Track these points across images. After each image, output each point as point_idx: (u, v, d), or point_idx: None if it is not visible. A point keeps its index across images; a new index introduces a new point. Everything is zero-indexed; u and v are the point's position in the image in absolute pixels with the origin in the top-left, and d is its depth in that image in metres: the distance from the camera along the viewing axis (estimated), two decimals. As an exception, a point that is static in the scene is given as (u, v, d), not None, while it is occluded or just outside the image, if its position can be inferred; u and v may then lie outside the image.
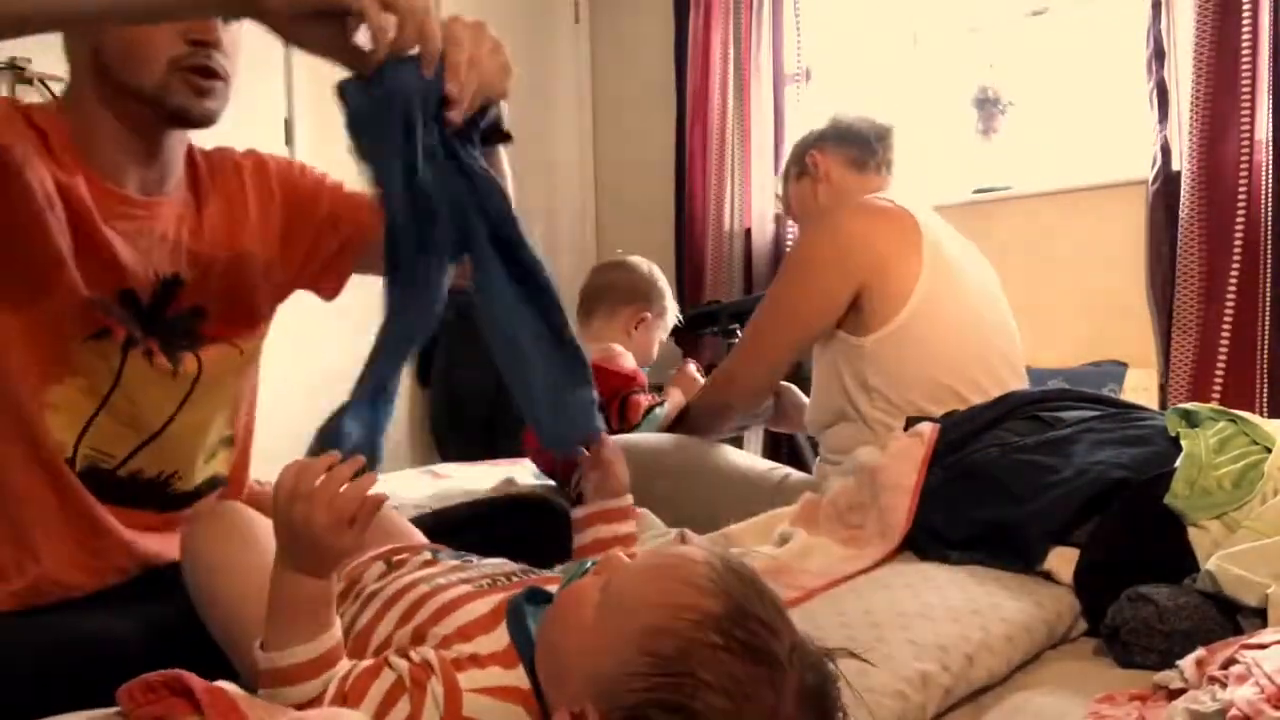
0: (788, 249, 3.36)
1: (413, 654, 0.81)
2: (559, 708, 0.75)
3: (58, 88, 2.46)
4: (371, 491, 0.80)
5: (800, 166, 1.91)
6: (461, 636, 0.83)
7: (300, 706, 0.78)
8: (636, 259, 2.30)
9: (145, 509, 1.23)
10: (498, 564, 1.00)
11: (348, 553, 0.82)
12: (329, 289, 1.43)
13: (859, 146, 1.87)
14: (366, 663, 0.81)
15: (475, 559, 1.02)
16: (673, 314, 2.24)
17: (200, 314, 1.24)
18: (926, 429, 1.42)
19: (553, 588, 0.89)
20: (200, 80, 1.12)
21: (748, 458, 1.95)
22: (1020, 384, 1.71)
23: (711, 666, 0.69)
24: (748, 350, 1.86)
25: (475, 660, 0.81)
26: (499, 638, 0.83)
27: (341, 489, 0.79)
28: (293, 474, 0.80)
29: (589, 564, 0.89)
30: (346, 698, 0.78)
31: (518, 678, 0.80)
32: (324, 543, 0.78)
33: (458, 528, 1.36)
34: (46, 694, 0.92)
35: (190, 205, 1.25)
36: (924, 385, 1.63)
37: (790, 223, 3.36)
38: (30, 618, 1.10)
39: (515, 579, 0.94)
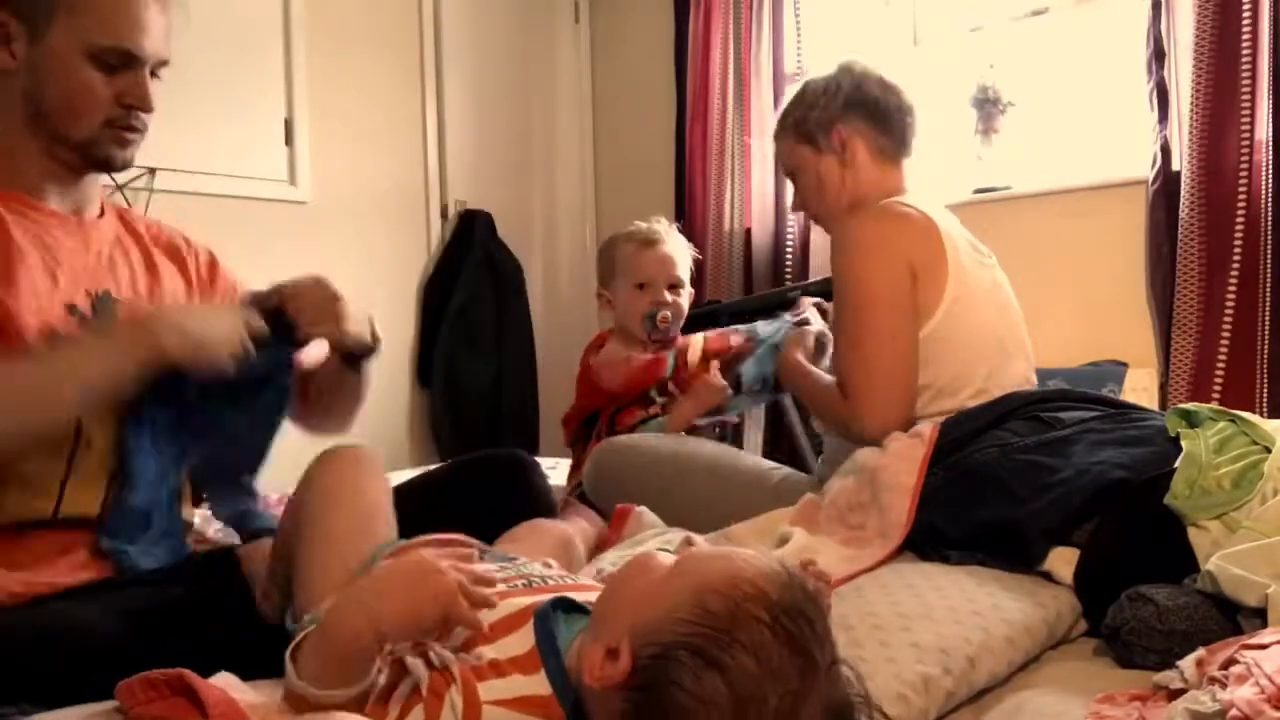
0: (787, 249, 3.36)
1: (432, 655, 0.79)
2: (596, 650, 0.75)
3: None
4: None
5: (824, 141, 1.74)
6: (485, 638, 0.83)
7: None
8: (631, 228, 2.15)
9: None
10: (538, 566, 1.00)
11: (427, 634, 0.82)
12: None
13: (889, 135, 1.73)
14: (385, 676, 0.79)
15: (522, 559, 1.02)
16: (641, 272, 2.05)
17: None
18: (926, 429, 1.42)
19: (582, 596, 0.88)
20: (126, 135, 1.24)
21: (747, 457, 1.95)
22: (1027, 386, 1.70)
23: (752, 634, 0.71)
24: (853, 373, 1.60)
25: (495, 668, 0.80)
26: (524, 639, 0.82)
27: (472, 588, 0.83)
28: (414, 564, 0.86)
29: None
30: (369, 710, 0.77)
31: (539, 683, 0.79)
32: (425, 626, 0.80)
33: (432, 491, 1.39)
34: (30, 684, 0.92)
35: (123, 237, 1.34)
36: (940, 394, 1.61)
37: (793, 214, 3.35)
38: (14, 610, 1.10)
39: (551, 582, 0.94)
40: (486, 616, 0.84)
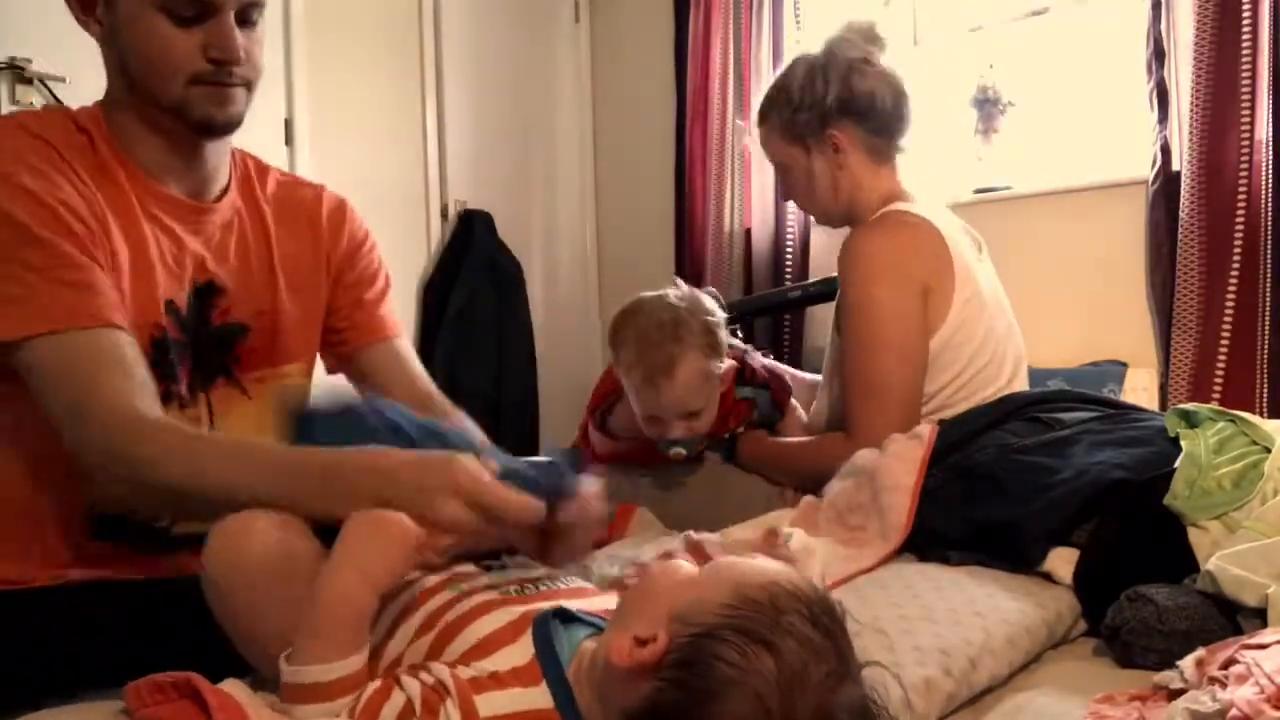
0: (787, 249, 3.36)
1: (424, 674, 0.78)
2: (623, 638, 0.74)
3: (58, 88, 2.48)
4: None
5: (816, 142, 1.69)
6: (481, 650, 0.81)
7: None
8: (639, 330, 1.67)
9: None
10: (524, 567, 0.98)
11: (399, 575, 0.85)
12: (332, 361, 1.43)
13: (881, 135, 1.68)
14: (376, 684, 0.78)
15: (505, 558, 1.01)
16: (645, 408, 1.63)
17: (242, 330, 1.24)
18: (926, 430, 1.42)
19: (579, 603, 0.87)
20: (221, 91, 1.14)
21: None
22: (1023, 387, 1.71)
23: (795, 621, 0.71)
24: (863, 404, 1.56)
25: (496, 680, 0.78)
26: (523, 650, 0.80)
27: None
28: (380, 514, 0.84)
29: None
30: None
31: (539, 696, 0.78)
32: (393, 560, 0.82)
33: None
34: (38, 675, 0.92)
35: (241, 217, 1.26)
36: (944, 403, 1.61)
37: (792, 213, 3.34)
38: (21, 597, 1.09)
39: (543, 587, 0.92)
40: (482, 627, 0.83)
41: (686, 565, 0.83)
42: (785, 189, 1.83)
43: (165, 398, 1.13)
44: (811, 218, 1.89)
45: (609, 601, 0.91)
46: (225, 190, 1.25)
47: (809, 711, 0.69)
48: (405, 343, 1.46)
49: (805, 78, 1.70)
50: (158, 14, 1.10)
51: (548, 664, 0.79)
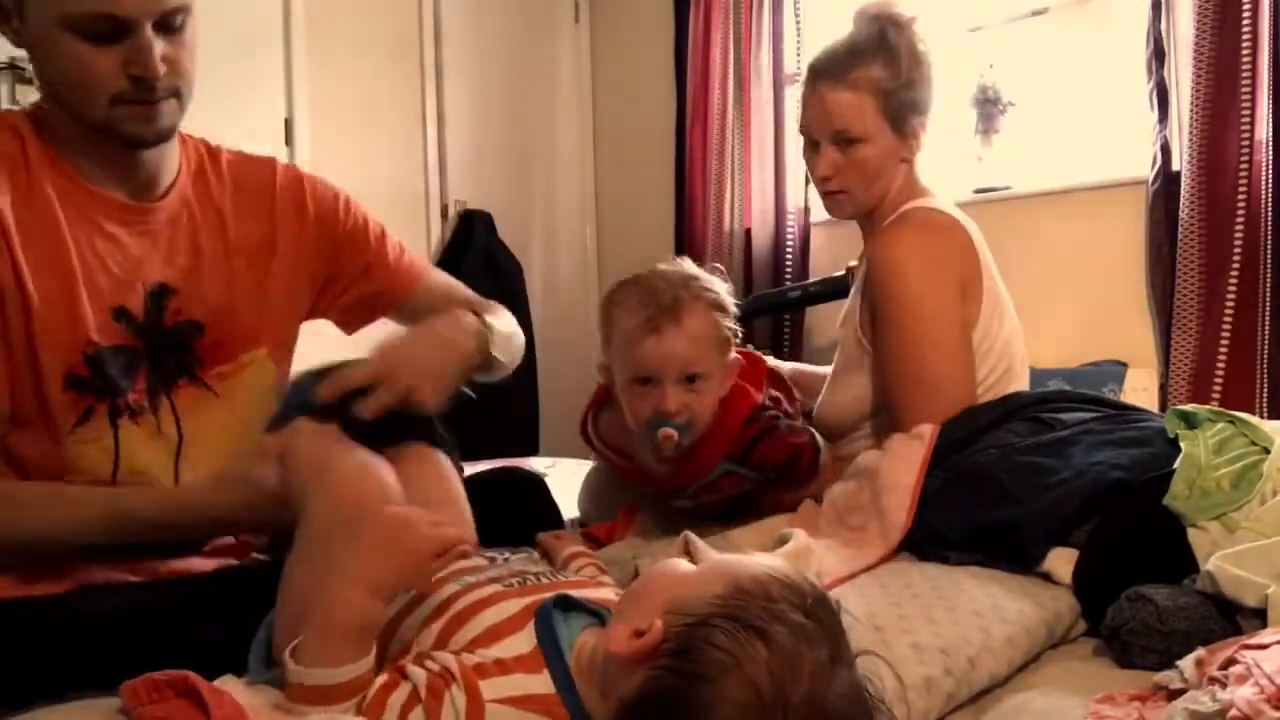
0: (787, 249, 3.36)
1: (430, 662, 0.80)
2: (622, 629, 0.75)
3: (58, 88, 2.48)
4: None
5: (907, 127, 1.62)
6: (490, 636, 0.82)
7: None
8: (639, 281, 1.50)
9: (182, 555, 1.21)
10: (525, 560, 1.00)
11: (426, 579, 0.87)
12: (351, 327, 1.44)
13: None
14: (384, 678, 0.79)
15: (508, 554, 1.02)
16: (641, 365, 1.39)
17: (197, 328, 1.22)
18: (927, 430, 1.42)
19: (581, 592, 0.89)
20: (146, 110, 1.10)
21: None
22: (1026, 386, 1.70)
23: (787, 611, 0.72)
24: (924, 400, 1.49)
25: (500, 665, 0.79)
26: (527, 638, 0.82)
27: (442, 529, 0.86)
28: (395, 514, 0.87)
29: None
30: (365, 714, 0.77)
31: (543, 683, 0.79)
32: (414, 561, 0.84)
33: None
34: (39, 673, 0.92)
35: (190, 209, 1.23)
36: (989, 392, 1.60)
37: (791, 207, 3.33)
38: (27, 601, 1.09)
39: (545, 579, 0.94)
40: (488, 618, 0.84)
41: (684, 563, 0.84)
42: (837, 165, 1.62)
43: (112, 413, 1.13)
44: (816, 208, 1.80)
45: (607, 593, 0.93)
46: (173, 184, 1.21)
47: (801, 696, 0.69)
48: (431, 277, 1.45)
49: (909, 59, 1.62)
50: (69, 34, 1.04)
51: (550, 653, 0.80)
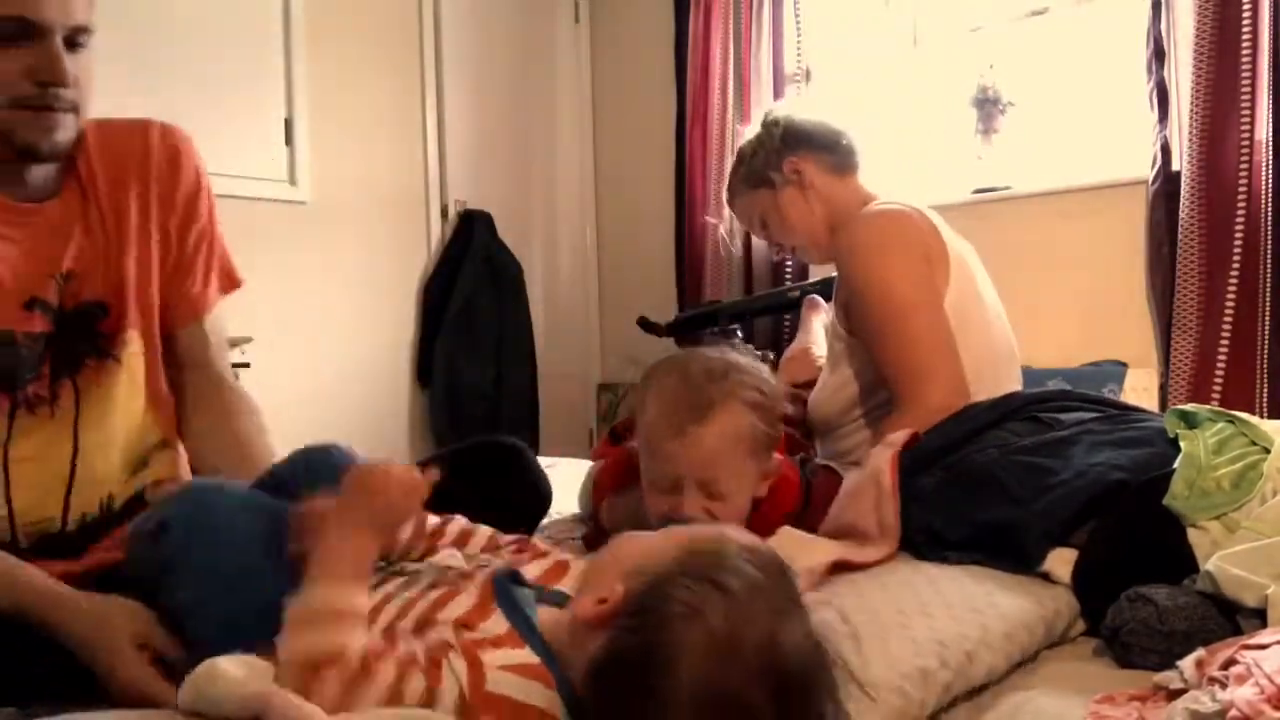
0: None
1: (430, 635, 0.81)
2: (588, 598, 0.78)
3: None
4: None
5: (779, 177, 1.79)
6: (464, 624, 0.83)
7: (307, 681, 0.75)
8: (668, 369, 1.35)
9: (98, 545, 1.19)
10: (434, 567, 0.99)
11: (407, 517, 0.93)
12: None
13: (833, 152, 1.79)
14: (377, 639, 0.80)
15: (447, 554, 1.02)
16: (660, 473, 1.25)
17: (100, 308, 1.20)
18: (900, 436, 1.43)
19: (530, 569, 0.92)
20: (45, 116, 1.09)
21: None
22: (1018, 385, 1.72)
23: (740, 565, 0.76)
24: (916, 370, 1.55)
25: (495, 641, 0.81)
26: (498, 621, 0.83)
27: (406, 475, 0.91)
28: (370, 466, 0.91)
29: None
30: (360, 676, 0.76)
31: (529, 654, 0.80)
32: (395, 501, 0.89)
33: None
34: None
35: (78, 196, 1.21)
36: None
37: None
38: None
39: (464, 569, 0.95)
40: (455, 609, 0.85)
41: (644, 534, 0.87)
42: (769, 237, 1.89)
43: (10, 411, 1.11)
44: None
45: (534, 567, 0.95)
46: (62, 181, 1.20)
47: (759, 639, 0.72)
48: (215, 318, 1.36)
49: (752, 139, 1.85)
50: None
51: (524, 630, 0.82)
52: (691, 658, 0.71)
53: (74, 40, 1.09)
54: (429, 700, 0.75)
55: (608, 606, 0.76)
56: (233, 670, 0.76)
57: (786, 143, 1.80)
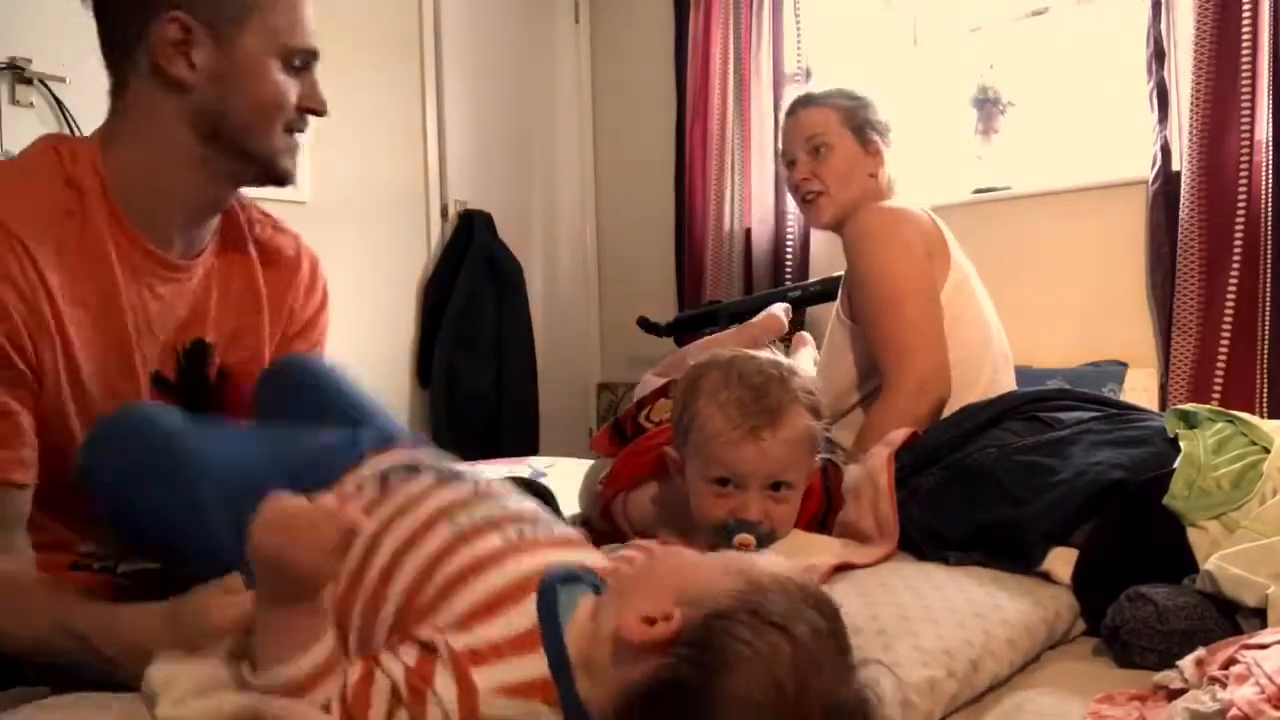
0: (787, 249, 3.36)
1: (405, 649, 0.76)
2: (631, 615, 0.73)
3: (57, 87, 2.47)
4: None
5: (871, 144, 1.87)
6: (489, 608, 0.78)
7: None
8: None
9: None
10: (503, 483, 0.95)
11: (330, 579, 0.78)
12: None
13: (884, 165, 1.89)
14: (357, 671, 0.75)
15: (502, 493, 0.96)
16: (726, 468, 1.24)
17: (225, 377, 1.22)
18: (899, 435, 1.43)
19: (570, 553, 0.86)
20: (297, 143, 1.17)
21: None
22: (1012, 384, 1.74)
23: (805, 612, 0.72)
24: (904, 349, 1.66)
25: (495, 651, 0.76)
26: (526, 613, 0.78)
27: (320, 519, 0.76)
28: (273, 510, 0.76)
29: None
30: (352, 716, 0.74)
31: (535, 665, 0.76)
32: (308, 575, 0.75)
33: None
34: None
35: (220, 266, 1.23)
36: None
37: (791, 207, 3.33)
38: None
39: (543, 530, 0.89)
40: (490, 580, 0.80)
41: (690, 550, 0.84)
42: (812, 170, 1.87)
43: None
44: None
45: (595, 555, 0.91)
46: (213, 240, 1.22)
47: (820, 696, 0.69)
48: None
49: (867, 103, 1.91)
50: (274, 60, 1.11)
51: (549, 634, 0.77)
52: (750, 703, 0.68)
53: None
54: None
55: (660, 631, 0.72)
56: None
57: (885, 130, 1.89)
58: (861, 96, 1.91)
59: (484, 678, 0.74)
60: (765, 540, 1.24)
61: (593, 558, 0.90)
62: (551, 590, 0.80)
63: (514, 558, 0.83)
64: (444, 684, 0.73)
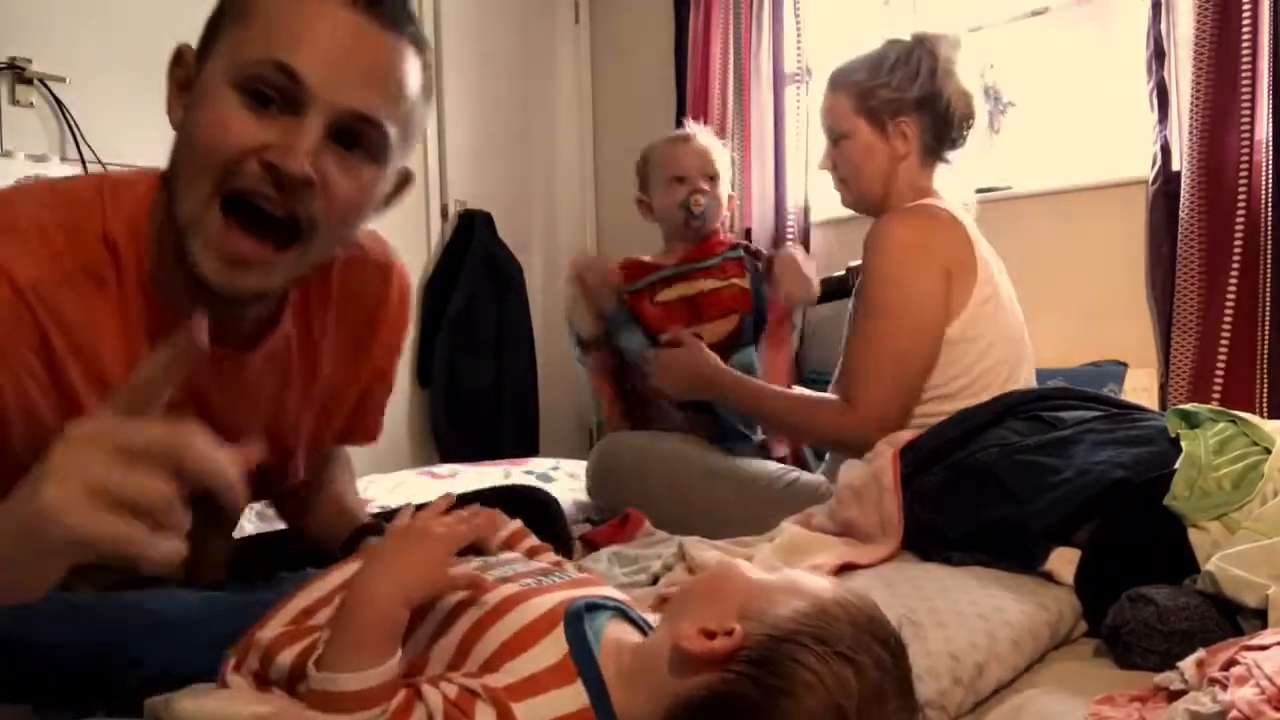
0: (787, 244, 3.35)
1: (446, 684, 0.74)
2: (691, 624, 0.73)
3: (58, 88, 2.47)
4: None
5: (889, 124, 1.72)
6: (518, 644, 0.77)
7: None
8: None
9: None
10: (520, 560, 0.96)
11: (444, 585, 0.82)
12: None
13: (941, 141, 1.73)
14: (399, 699, 0.74)
15: (508, 554, 0.98)
16: (676, 166, 2.22)
17: (263, 471, 1.10)
18: (905, 435, 1.43)
19: (590, 590, 0.86)
20: (233, 229, 0.94)
21: (754, 462, 1.91)
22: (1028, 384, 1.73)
23: (873, 646, 0.72)
24: (866, 372, 1.61)
25: (532, 684, 0.75)
26: (555, 644, 0.78)
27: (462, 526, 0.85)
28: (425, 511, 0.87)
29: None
30: None
31: (575, 697, 0.75)
32: (436, 569, 0.81)
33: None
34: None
35: (289, 345, 1.06)
36: (962, 394, 1.62)
37: (790, 208, 3.34)
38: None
39: (559, 578, 0.89)
40: (514, 621, 0.80)
41: (752, 566, 0.83)
42: (832, 159, 1.80)
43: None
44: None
45: (614, 590, 0.91)
46: (274, 325, 1.02)
47: None
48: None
49: (898, 60, 1.74)
50: (228, 87, 0.88)
51: (583, 661, 0.77)
52: None
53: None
54: None
55: (720, 645, 0.71)
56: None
57: (919, 103, 1.71)
58: (878, 57, 1.76)
59: (525, 712, 0.73)
60: (710, 207, 2.12)
61: (611, 591, 0.90)
62: (578, 618, 0.80)
63: (530, 598, 0.83)
64: (484, 710, 0.72)
